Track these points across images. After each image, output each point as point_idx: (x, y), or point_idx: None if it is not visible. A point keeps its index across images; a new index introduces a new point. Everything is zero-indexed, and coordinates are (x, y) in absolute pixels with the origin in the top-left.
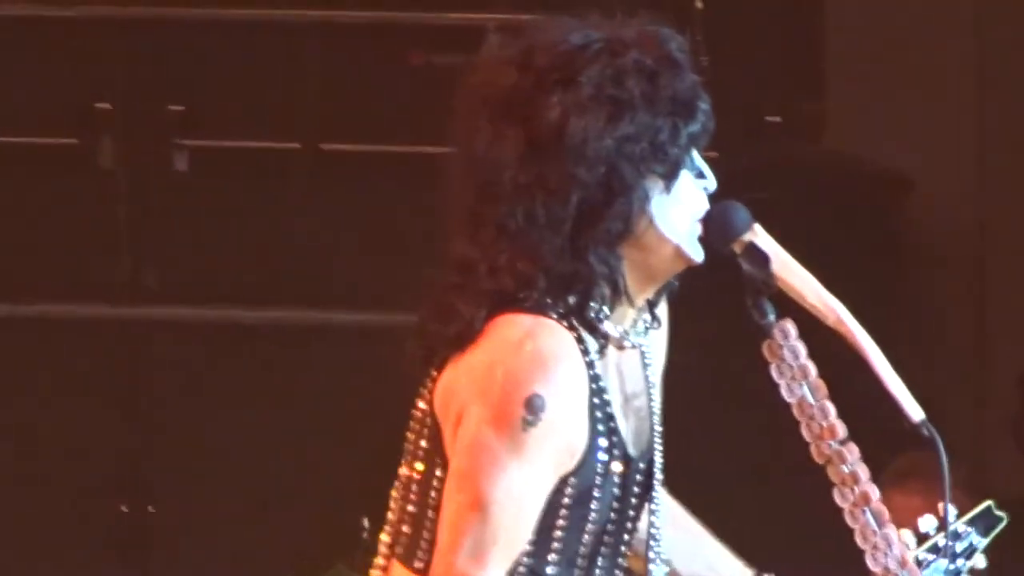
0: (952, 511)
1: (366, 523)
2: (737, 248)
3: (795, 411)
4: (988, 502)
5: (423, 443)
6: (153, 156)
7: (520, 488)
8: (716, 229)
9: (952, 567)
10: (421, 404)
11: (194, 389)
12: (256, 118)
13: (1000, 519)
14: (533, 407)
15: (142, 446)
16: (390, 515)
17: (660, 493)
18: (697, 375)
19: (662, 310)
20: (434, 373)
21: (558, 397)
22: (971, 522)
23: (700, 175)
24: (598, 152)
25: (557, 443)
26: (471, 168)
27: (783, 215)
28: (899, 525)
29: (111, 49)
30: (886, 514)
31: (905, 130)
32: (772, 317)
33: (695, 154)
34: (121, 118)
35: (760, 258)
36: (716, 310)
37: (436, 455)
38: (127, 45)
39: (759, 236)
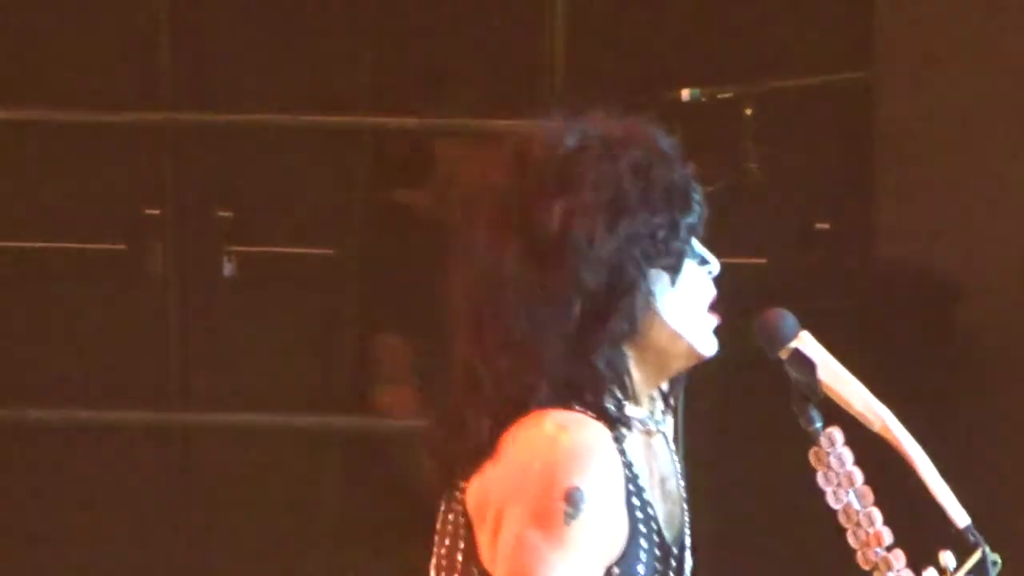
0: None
1: None
2: (784, 355)
3: (841, 518)
4: (984, 551)
5: (457, 555)
6: (202, 262)
7: None
8: (764, 336)
9: None
10: (449, 516)
11: (240, 492)
12: (302, 223)
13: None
14: (574, 500)
15: (197, 546)
16: None
17: None
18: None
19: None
20: (462, 484)
21: (597, 488)
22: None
23: (703, 261)
24: (601, 255)
25: (600, 534)
26: (472, 275)
27: (833, 322)
28: None
29: (160, 154)
30: None
31: (957, 236)
32: (819, 424)
33: (695, 241)
34: (170, 224)
35: (807, 365)
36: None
37: (471, 564)
38: (176, 150)
39: (806, 343)
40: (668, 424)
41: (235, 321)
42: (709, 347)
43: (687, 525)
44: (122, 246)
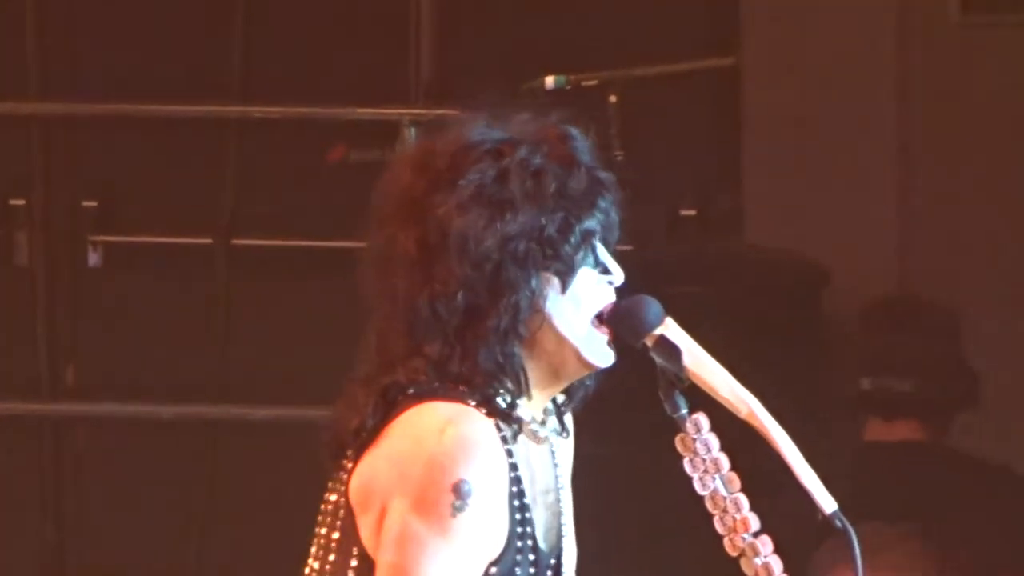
0: None
1: None
2: (649, 342)
3: (708, 504)
4: None
5: (335, 535)
6: (68, 252)
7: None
8: (628, 323)
9: None
10: (332, 496)
11: (111, 483)
12: (170, 213)
13: None
14: (461, 492)
15: (63, 537)
16: None
17: None
18: (611, 466)
19: (568, 420)
20: (348, 465)
21: (484, 482)
22: None
23: (605, 270)
24: (481, 251)
25: (484, 529)
26: (372, 268)
27: (699, 308)
28: None
29: (25, 145)
30: None
31: (823, 222)
32: (685, 411)
33: (600, 249)
34: (36, 214)
35: (673, 352)
36: (630, 403)
37: (352, 545)
38: (41, 141)
39: (671, 330)
40: (561, 444)
41: (102, 311)
42: (601, 358)
43: (564, 539)
44: None
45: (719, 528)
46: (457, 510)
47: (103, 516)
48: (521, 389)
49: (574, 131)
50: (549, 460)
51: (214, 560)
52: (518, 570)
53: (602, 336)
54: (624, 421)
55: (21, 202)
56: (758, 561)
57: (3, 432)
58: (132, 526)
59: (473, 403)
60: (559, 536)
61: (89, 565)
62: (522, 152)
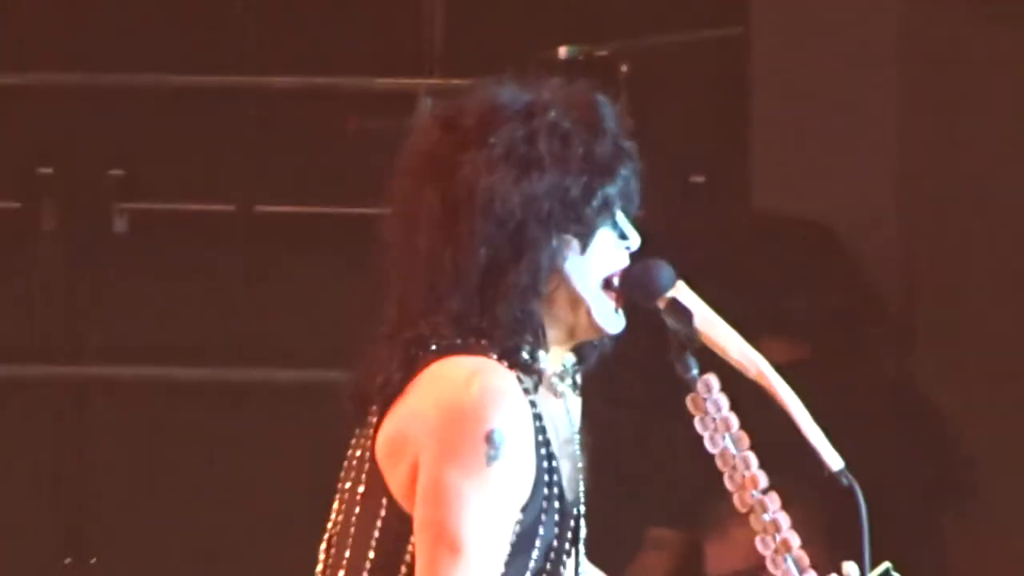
0: (853, 572)
1: None
2: (661, 304)
3: (718, 462)
4: (887, 564)
5: (360, 488)
6: (93, 219)
7: (492, 524)
8: (641, 287)
9: None
10: (358, 452)
11: (134, 446)
12: (193, 181)
13: None
14: (494, 442)
15: (85, 500)
16: (320, 566)
17: (583, 556)
18: (624, 429)
19: (579, 379)
20: (373, 421)
21: (514, 430)
22: None
23: (622, 235)
24: (506, 209)
25: (516, 476)
26: (396, 225)
27: (709, 273)
28: None
29: (52, 115)
30: (806, 560)
31: (827, 186)
32: (695, 372)
33: (619, 215)
34: (62, 182)
35: (684, 314)
36: (644, 365)
37: (379, 498)
38: (68, 111)
39: (682, 293)
40: (575, 401)
41: (127, 276)
42: (611, 324)
43: (582, 492)
44: (16, 204)
45: (729, 485)
46: (492, 459)
47: (122, 475)
48: (539, 343)
49: (602, 98)
50: (566, 413)
51: (237, 522)
52: (543, 517)
53: (610, 302)
54: (636, 383)
55: (49, 170)
56: (766, 517)
57: (26, 395)
58: (153, 488)
59: (495, 356)
60: (578, 489)
61: (107, 521)
62: (551, 115)
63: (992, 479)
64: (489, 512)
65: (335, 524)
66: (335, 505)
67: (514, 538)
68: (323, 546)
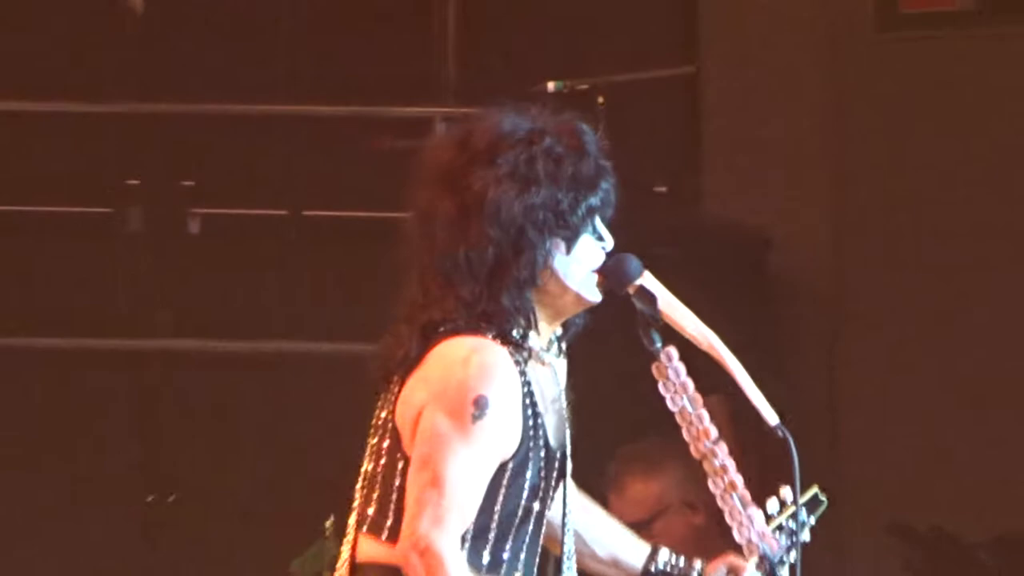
0: (788, 495)
1: (330, 520)
2: (631, 291)
3: (677, 418)
4: (815, 488)
5: (385, 443)
6: (171, 222)
7: (469, 468)
8: (614, 276)
9: (790, 543)
10: (382, 414)
11: (202, 402)
12: (253, 190)
13: (823, 502)
14: (480, 405)
15: (164, 448)
16: (356, 502)
17: (571, 483)
18: (607, 395)
19: (563, 346)
20: (395, 388)
21: (498, 397)
22: (808, 502)
23: (600, 238)
24: (509, 217)
25: (498, 433)
26: (415, 227)
27: (669, 267)
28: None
29: (139, 137)
30: (748, 496)
31: (769, 198)
32: (659, 344)
33: (597, 221)
34: (146, 192)
35: (649, 298)
36: (621, 345)
37: (396, 452)
38: (151, 134)
39: (648, 280)
40: (561, 365)
41: (198, 268)
42: (593, 296)
43: (568, 438)
44: (109, 209)
45: (686, 436)
46: (476, 418)
47: (193, 426)
48: (531, 324)
49: (585, 127)
50: (553, 377)
51: (285, 468)
52: (530, 461)
53: (594, 277)
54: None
55: (136, 182)
56: (717, 463)
57: (119, 362)
58: (218, 437)
59: (491, 336)
60: (564, 436)
61: (183, 464)
62: (547, 142)
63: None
64: (467, 459)
65: (365, 471)
66: (366, 455)
67: (506, 479)
68: (358, 486)
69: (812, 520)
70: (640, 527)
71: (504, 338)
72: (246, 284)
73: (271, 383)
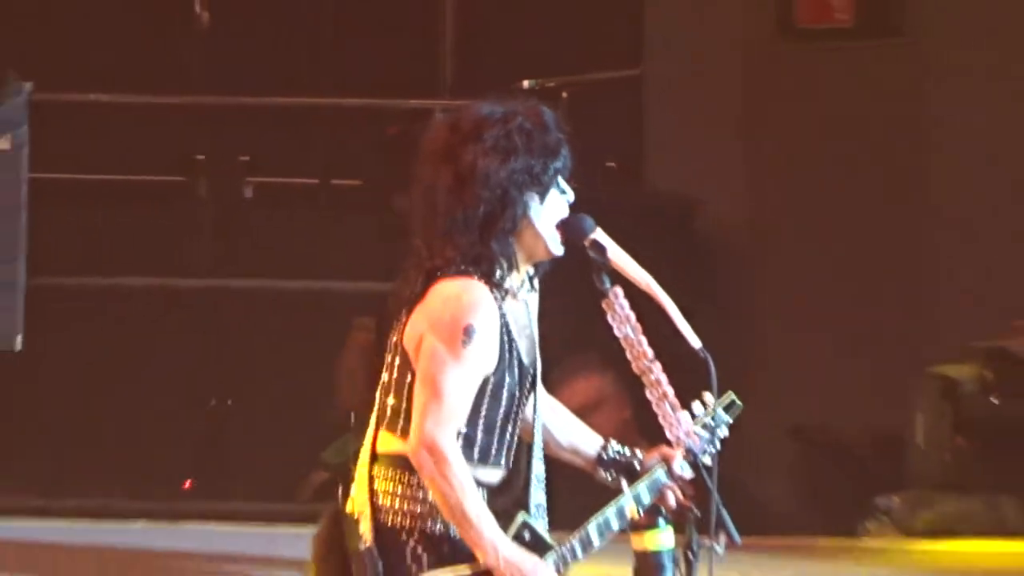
0: (710, 399)
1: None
2: (587, 243)
3: (623, 343)
4: (731, 395)
5: (396, 361)
6: (230, 188)
7: (461, 382)
8: (573, 231)
9: (711, 438)
10: (394, 338)
11: (253, 327)
12: (292, 164)
13: (739, 405)
14: (468, 333)
15: (224, 363)
16: (376, 404)
17: (541, 389)
18: (566, 325)
19: (536, 283)
20: (404, 318)
21: (482, 326)
22: (726, 406)
23: (563, 191)
24: (496, 181)
25: (482, 354)
26: (420, 192)
27: (618, 227)
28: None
29: (205, 122)
30: (678, 404)
31: (696, 172)
32: (608, 285)
33: (560, 180)
34: (211, 165)
35: (600, 249)
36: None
37: (406, 367)
38: (214, 119)
39: (600, 235)
40: (532, 298)
41: (252, 224)
42: (556, 248)
43: (538, 358)
44: (182, 178)
45: (629, 356)
46: (465, 343)
47: (247, 348)
48: (512, 265)
49: (548, 110)
50: (525, 310)
51: (318, 386)
52: (507, 375)
53: (558, 235)
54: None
55: (202, 157)
56: (653, 376)
57: (188, 298)
58: (266, 351)
59: (477, 277)
60: (535, 355)
61: (237, 375)
62: (519, 120)
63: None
64: (459, 375)
65: (383, 381)
66: (383, 370)
67: (489, 389)
68: (377, 394)
69: (729, 419)
70: (583, 413)
71: (488, 279)
72: (286, 236)
73: (303, 313)
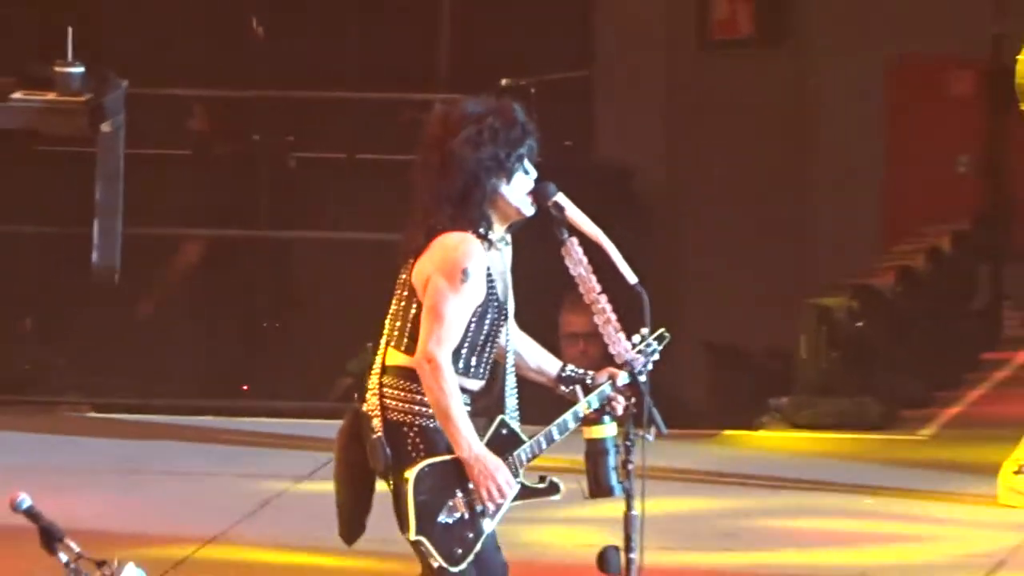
0: (645, 331)
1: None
2: (550, 204)
3: (577, 280)
4: (662, 329)
5: (404, 293)
6: (278, 160)
7: (458, 311)
8: (539, 194)
9: (646, 361)
10: (403, 276)
11: (296, 266)
12: (325, 142)
13: (667, 337)
14: (466, 273)
15: (273, 295)
16: (386, 327)
17: (512, 323)
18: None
19: (509, 238)
20: (411, 263)
21: (475, 269)
22: (657, 338)
23: (526, 172)
24: (471, 166)
25: (474, 290)
26: (419, 169)
27: (575, 188)
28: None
29: (262, 112)
30: (619, 327)
31: (633, 148)
32: (566, 236)
33: (526, 163)
34: (265, 145)
35: (560, 208)
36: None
37: (413, 299)
38: (267, 111)
39: (560, 197)
40: (507, 251)
41: (296, 188)
42: (528, 210)
43: (511, 295)
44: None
45: (581, 290)
46: (462, 282)
47: (298, 279)
48: (490, 227)
49: (518, 106)
50: (501, 258)
51: (347, 312)
52: (489, 308)
53: (529, 200)
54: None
55: (257, 137)
56: (599, 306)
57: (248, 246)
58: (309, 295)
59: (470, 231)
60: (506, 294)
61: (290, 305)
62: (490, 120)
63: None
64: (457, 306)
65: (393, 309)
66: (392, 301)
67: (475, 319)
68: (386, 322)
69: (660, 347)
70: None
71: (477, 233)
72: (320, 197)
73: (333, 258)
